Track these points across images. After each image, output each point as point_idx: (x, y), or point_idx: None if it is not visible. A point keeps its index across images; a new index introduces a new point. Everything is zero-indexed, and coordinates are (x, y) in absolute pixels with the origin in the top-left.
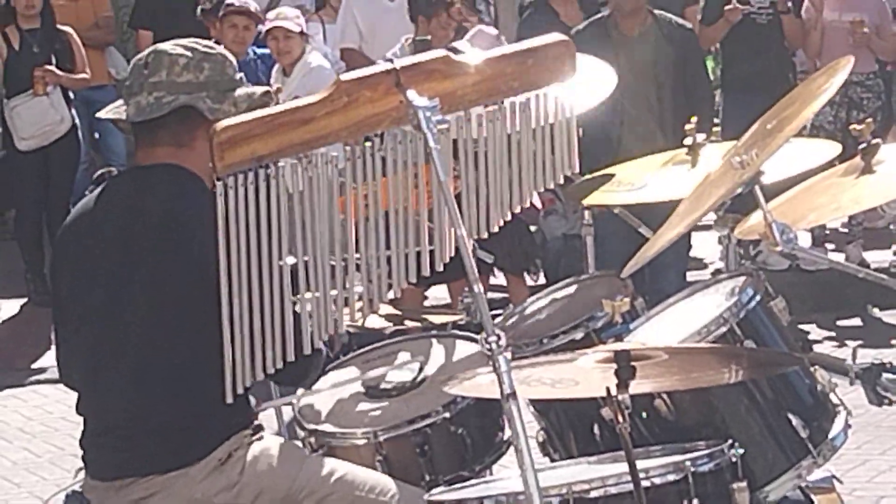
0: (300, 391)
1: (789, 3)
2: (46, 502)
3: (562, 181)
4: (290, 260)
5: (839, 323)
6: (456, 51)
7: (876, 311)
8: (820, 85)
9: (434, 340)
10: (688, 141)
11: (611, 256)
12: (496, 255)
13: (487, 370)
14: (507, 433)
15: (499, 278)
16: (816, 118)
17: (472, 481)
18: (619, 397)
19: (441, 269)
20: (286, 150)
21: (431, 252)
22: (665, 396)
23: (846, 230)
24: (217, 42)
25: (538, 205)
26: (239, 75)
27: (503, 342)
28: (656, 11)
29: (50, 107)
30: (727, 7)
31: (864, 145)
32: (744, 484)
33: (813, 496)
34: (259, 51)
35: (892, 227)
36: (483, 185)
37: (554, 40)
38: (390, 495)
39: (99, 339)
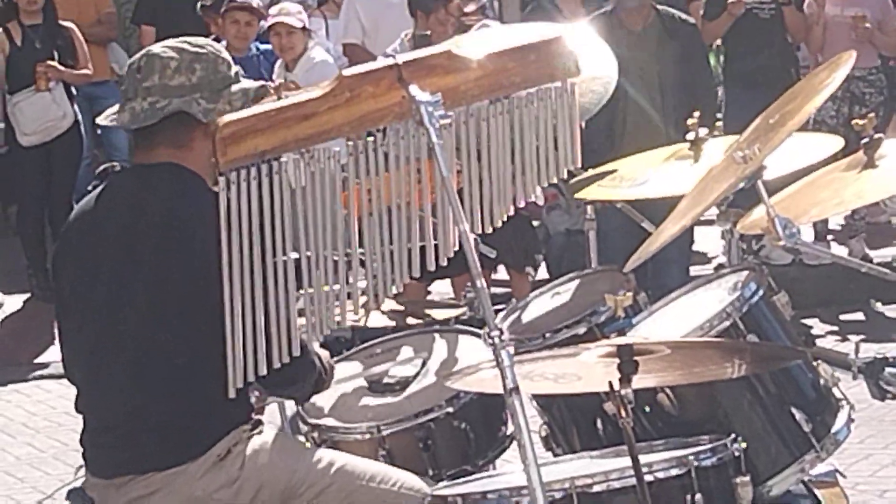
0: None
1: None
2: (50, 497)
3: (565, 176)
4: (293, 255)
5: (842, 317)
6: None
7: (879, 306)
8: (822, 80)
9: (437, 335)
10: (690, 136)
11: (613, 251)
12: (498, 251)
13: (490, 365)
14: (510, 428)
15: (501, 273)
16: (819, 113)
17: (476, 476)
18: (622, 392)
19: (445, 263)
20: (289, 145)
21: (435, 247)
22: (668, 391)
23: (841, 223)
24: (217, 39)
25: (539, 201)
26: (234, 70)
27: (506, 337)
28: (660, 7)
29: (52, 102)
30: (730, 0)
31: (866, 140)
32: (747, 478)
33: (816, 490)
34: (262, 46)
35: (894, 221)
36: (486, 181)
37: (556, 35)
38: (391, 483)
39: (100, 337)
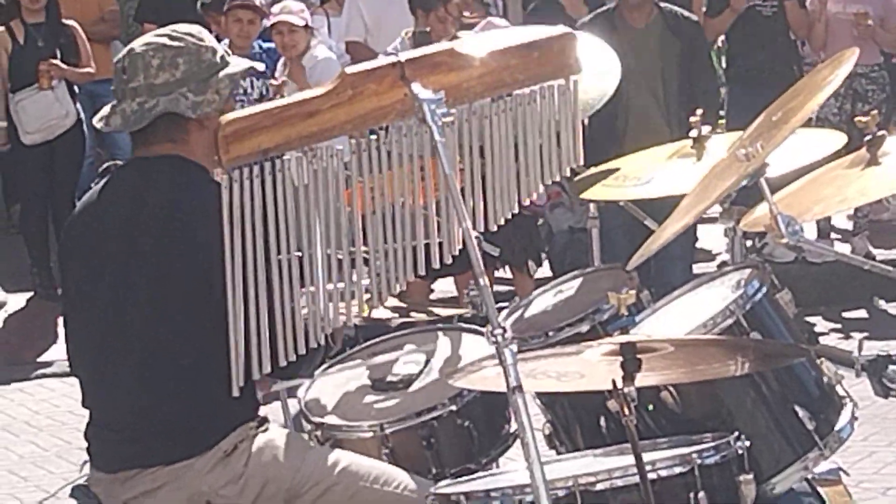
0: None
1: None
2: (53, 496)
3: (567, 174)
4: (297, 253)
5: (845, 315)
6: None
7: (882, 303)
8: (825, 77)
9: (440, 333)
10: (693, 133)
11: (617, 249)
12: (501, 249)
13: (493, 363)
14: (514, 426)
15: (505, 271)
16: (821, 110)
17: (479, 474)
18: (625, 390)
19: (448, 261)
20: (292, 143)
21: (439, 245)
22: (671, 389)
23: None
24: (218, 37)
25: (542, 199)
26: (220, 53)
27: (509, 335)
28: (662, 4)
29: (55, 101)
30: None
31: (869, 137)
32: (750, 476)
33: (819, 488)
34: (265, 45)
35: None
36: (489, 179)
37: (559, 33)
38: (395, 485)
39: (105, 333)
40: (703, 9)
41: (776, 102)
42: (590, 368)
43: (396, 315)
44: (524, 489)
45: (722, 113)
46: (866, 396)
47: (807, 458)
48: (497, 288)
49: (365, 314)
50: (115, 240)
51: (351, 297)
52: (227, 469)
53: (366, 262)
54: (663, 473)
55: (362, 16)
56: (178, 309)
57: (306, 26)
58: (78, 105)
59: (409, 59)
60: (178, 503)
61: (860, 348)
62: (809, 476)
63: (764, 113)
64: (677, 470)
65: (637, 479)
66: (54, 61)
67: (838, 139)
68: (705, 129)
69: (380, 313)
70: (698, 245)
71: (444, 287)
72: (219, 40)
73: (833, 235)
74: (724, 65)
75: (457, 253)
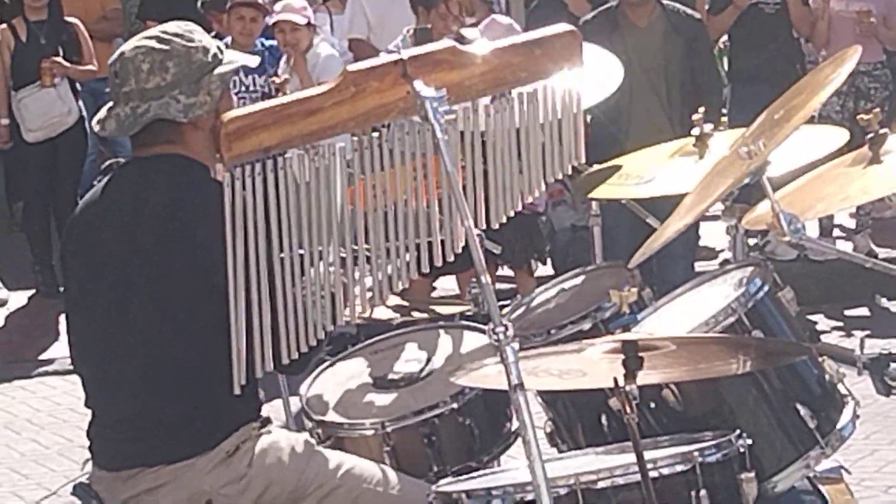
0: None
1: None
2: (54, 493)
3: (569, 172)
4: (299, 251)
5: (847, 313)
6: (463, 39)
7: (884, 301)
8: (827, 75)
9: (442, 331)
10: (695, 131)
11: (618, 247)
12: (503, 247)
13: (495, 361)
14: (515, 424)
15: (507, 269)
16: (824, 108)
17: (480, 472)
18: (627, 388)
19: (451, 259)
20: (294, 141)
21: (441, 243)
22: (673, 387)
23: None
24: (219, 36)
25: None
26: (213, 51)
27: (511, 333)
28: (665, 1)
29: (57, 98)
30: None
31: (871, 135)
32: (752, 474)
33: (821, 486)
34: (267, 42)
35: None
36: (491, 176)
37: (561, 31)
38: (397, 488)
39: (107, 332)
40: (706, 6)
41: (778, 100)
42: (591, 366)
43: (398, 315)
44: (525, 487)
45: (724, 110)
46: (868, 395)
47: (808, 456)
48: (499, 286)
49: (367, 313)
50: (116, 238)
51: (353, 294)
52: (229, 469)
53: (368, 259)
54: (665, 471)
55: (365, 13)
56: (179, 308)
57: (308, 24)
58: (80, 103)
59: (411, 56)
60: (179, 502)
61: (862, 346)
62: (811, 474)
63: (766, 111)
64: (679, 468)
65: (638, 477)
66: (57, 59)
67: (840, 135)
68: (708, 128)
69: (382, 313)
70: (700, 243)
71: (447, 285)
72: (221, 38)
73: (835, 233)
74: (726, 64)
75: (459, 251)
